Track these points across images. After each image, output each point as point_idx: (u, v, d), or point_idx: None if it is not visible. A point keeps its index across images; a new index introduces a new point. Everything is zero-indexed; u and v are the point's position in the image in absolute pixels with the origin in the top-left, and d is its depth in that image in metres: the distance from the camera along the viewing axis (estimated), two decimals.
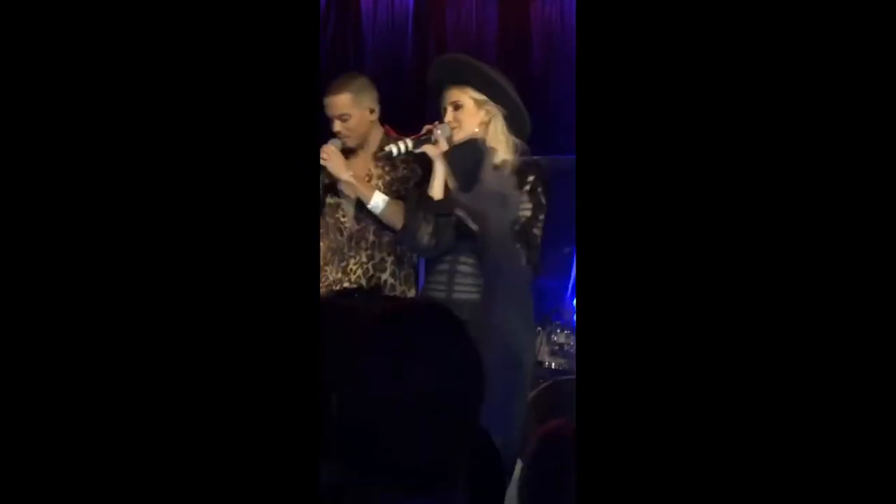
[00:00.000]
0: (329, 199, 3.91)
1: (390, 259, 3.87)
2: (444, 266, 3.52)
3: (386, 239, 3.85)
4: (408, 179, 3.81)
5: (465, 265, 3.49)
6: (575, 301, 4.68)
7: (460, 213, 3.42)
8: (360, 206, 3.83)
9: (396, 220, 3.73)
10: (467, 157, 3.48)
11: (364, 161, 3.90)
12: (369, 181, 3.83)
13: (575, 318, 4.76)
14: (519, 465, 1.87)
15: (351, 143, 3.85)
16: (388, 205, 3.76)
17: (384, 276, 3.87)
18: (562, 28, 5.81)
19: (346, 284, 3.87)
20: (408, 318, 1.49)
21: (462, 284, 3.49)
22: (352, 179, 3.78)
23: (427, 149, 3.44)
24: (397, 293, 3.87)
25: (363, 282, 3.87)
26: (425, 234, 3.45)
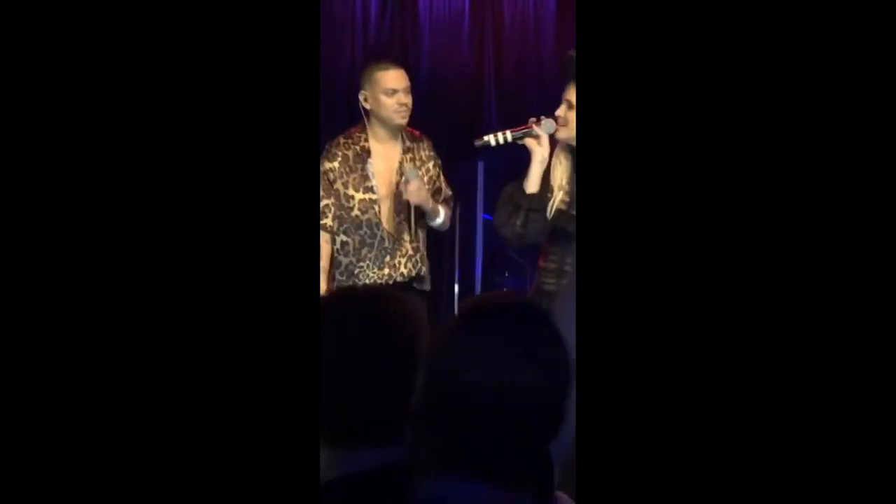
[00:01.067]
0: (360, 195, 3.95)
1: (424, 251, 4.04)
2: (554, 264, 3.50)
3: (436, 222, 3.99)
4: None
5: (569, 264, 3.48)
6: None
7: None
8: (399, 201, 3.94)
9: (446, 225, 4.01)
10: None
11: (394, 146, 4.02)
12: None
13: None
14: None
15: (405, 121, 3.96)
16: (447, 217, 3.98)
17: (423, 269, 3.98)
18: None
19: (398, 278, 3.98)
20: (497, 312, 1.51)
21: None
22: (431, 204, 3.93)
23: (529, 142, 3.45)
24: (426, 282, 4.04)
25: (413, 274, 4.00)
26: (515, 225, 3.46)
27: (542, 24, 5.89)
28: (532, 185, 3.42)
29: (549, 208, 3.41)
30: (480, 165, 5.68)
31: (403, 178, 3.85)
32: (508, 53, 5.93)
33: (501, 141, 3.45)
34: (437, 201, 4.00)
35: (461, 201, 4.90)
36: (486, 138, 3.49)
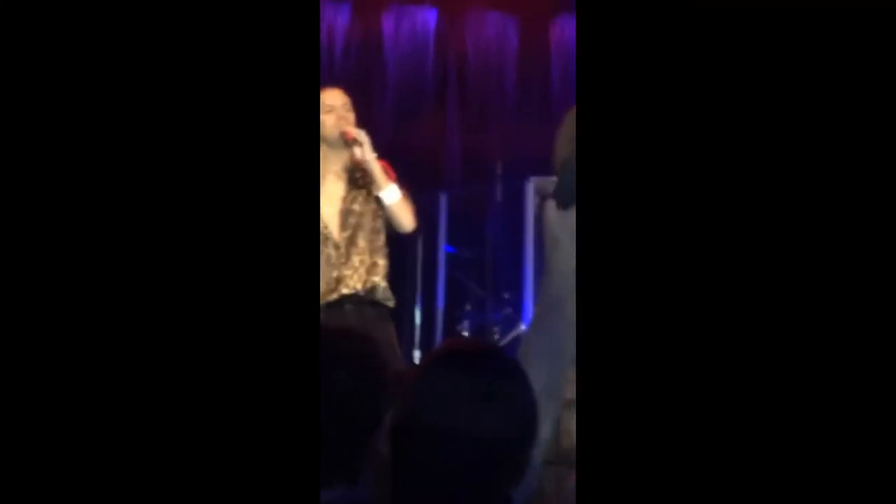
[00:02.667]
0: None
1: (383, 263, 3.93)
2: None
3: (379, 243, 3.90)
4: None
5: None
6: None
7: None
8: (346, 214, 3.87)
9: (406, 217, 3.80)
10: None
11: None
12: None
13: None
14: None
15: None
16: (401, 198, 3.83)
17: (377, 280, 3.94)
18: None
19: (344, 292, 3.88)
20: (464, 360, 1.53)
21: None
22: (375, 162, 3.83)
23: None
24: (388, 299, 3.92)
25: (359, 288, 3.92)
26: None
27: (504, 58, 6.13)
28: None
29: None
30: (443, 197, 5.80)
31: (342, 135, 3.74)
32: (472, 83, 6.14)
33: None
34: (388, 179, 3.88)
35: (422, 234, 4.94)
36: None
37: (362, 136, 3.71)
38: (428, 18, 6.10)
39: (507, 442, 1.44)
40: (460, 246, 6.00)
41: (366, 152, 3.72)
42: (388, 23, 6.06)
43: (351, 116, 3.81)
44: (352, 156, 3.79)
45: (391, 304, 3.90)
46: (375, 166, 3.77)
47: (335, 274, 3.81)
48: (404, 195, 3.78)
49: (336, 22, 6.02)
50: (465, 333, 5.71)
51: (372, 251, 3.85)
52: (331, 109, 3.80)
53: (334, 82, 4.91)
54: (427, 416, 1.44)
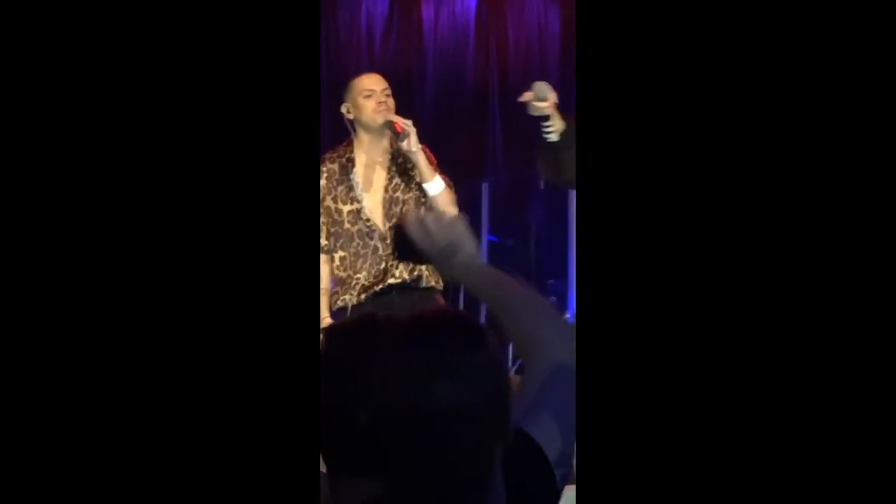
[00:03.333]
0: (347, 207, 4.00)
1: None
2: None
3: (433, 190, 3.94)
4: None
5: None
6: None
7: None
8: (390, 203, 3.92)
9: (450, 209, 3.81)
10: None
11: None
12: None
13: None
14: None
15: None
16: (445, 189, 3.87)
17: (423, 267, 3.98)
18: None
19: (390, 281, 3.98)
20: (434, 328, 1.52)
21: None
22: (421, 153, 3.85)
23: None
24: (433, 284, 4.00)
25: (406, 277, 3.98)
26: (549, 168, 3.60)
27: (546, 41, 6.19)
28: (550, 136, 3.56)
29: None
30: (485, 186, 5.88)
31: (385, 123, 3.81)
32: (513, 71, 6.20)
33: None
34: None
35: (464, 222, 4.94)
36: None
37: (409, 126, 3.73)
38: (469, 5, 6.17)
39: (479, 413, 1.44)
40: (503, 234, 6.05)
41: (412, 143, 3.74)
42: (427, 10, 6.14)
43: (391, 102, 3.84)
44: (392, 142, 3.82)
45: (439, 286, 3.96)
46: (421, 157, 3.80)
47: (382, 265, 3.89)
48: (448, 185, 3.80)
49: (375, 10, 6.11)
50: None
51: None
52: (370, 94, 3.85)
53: (374, 71, 5.03)
54: (381, 390, 1.45)
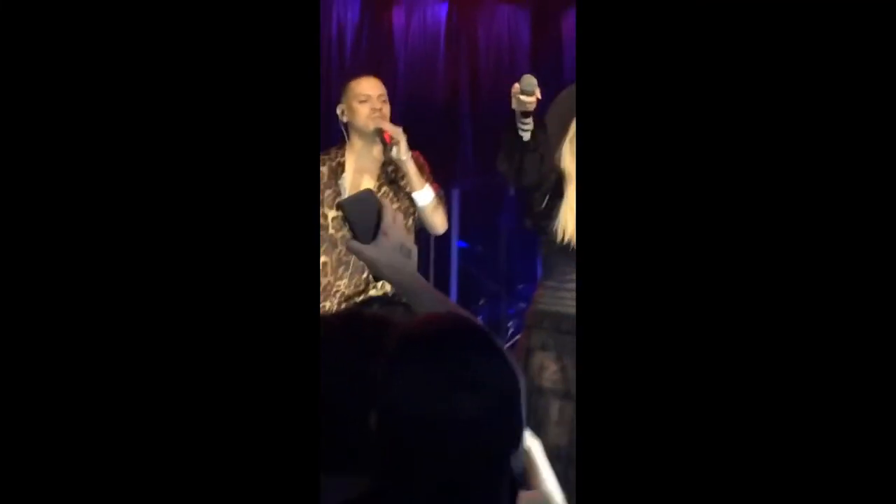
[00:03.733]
0: (333, 213, 3.93)
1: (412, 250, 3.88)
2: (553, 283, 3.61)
3: (423, 201, 3.88)
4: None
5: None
6: None
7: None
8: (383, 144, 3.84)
9: (439, 219, 3.79)
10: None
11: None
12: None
13: None
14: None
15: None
16: (434, 199, 3.80)
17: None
18: None
19: (371, 293, 3.91)
20: (441, 334, 1.52)
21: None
22: (411, 161, 3.78)
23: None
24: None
25: (388, 290, 3.90)
26: (513, 167, 3.55)
27: (516, 48, 6.24)
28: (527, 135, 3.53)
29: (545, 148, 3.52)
30: (455, 193, 5.87)
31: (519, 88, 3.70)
32: (483, 77, 6.24)
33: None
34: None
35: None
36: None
37: (399, 134, 3.67)
38: (439, 12, 6.18)
39: (490, 422, 1.44)
40: (473, 241, 6.07)
41: (402, 151, 3.69)
42: (398, 16, 6.15)
43: (386, 108, 3.79)
44: (385, 150, 3.79)
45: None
46: (411, 165, 3.74)
47: (364, 275, 3.83)
48: (438, 195, 3.76)
49: (346, 16, 6.12)
50: None
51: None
52: (366, 99, 3.80)
53: (344, 77, 5.01)
54: (404, 401, 1.44)
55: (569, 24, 6.18)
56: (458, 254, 5.95)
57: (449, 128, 6.21)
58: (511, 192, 5.91)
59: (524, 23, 6.22)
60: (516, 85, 3.34)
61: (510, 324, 5.73)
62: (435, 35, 6.19)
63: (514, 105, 3.35)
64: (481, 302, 5.93)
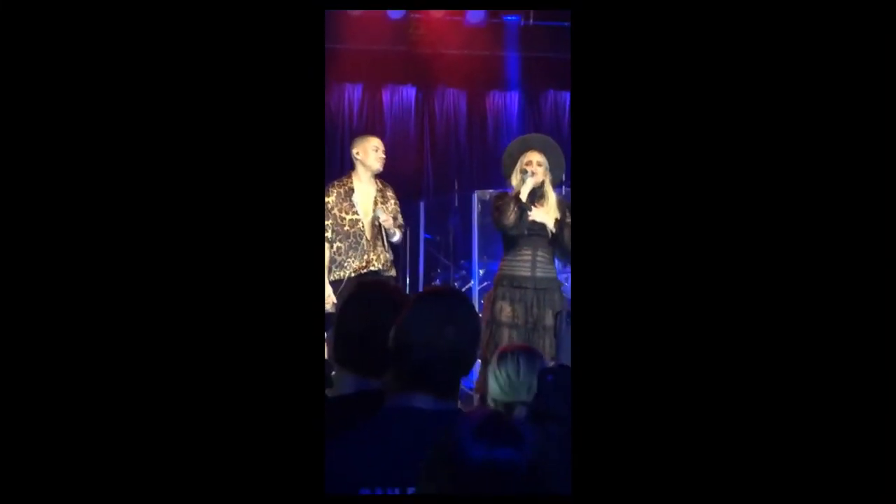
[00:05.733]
0: (348, 217, 4.95)
1: (390, 252, 5.18)
2: (528, 253, 4.36)
3: (394, 239, 5.20)
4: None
5: (544, 253, 4.36)
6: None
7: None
8: (373, 221, 4.97)
9: (397, 240, 4.96)
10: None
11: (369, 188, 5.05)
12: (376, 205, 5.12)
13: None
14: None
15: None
16: (400, 236, 5.09)
17: (388, 264, 5.16)
18: (507, 113, 7.78)
19: (371, 268, 5.09)
20: (439, 296, 1.91)
21: (543, 266, 4.38)
22: (390, 222, 4.94)
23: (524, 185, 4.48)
24: (392, 273, 5.13)
25: (380, 267, 5.12)
26: (511, 218, 4.30)
27: (458, 117, 7.91)
28: (524, 195, 4.40)
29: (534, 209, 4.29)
30: (422, 204, 7.35)
31: (374, 216, 4.92)
32: (439, 132, 7.82)
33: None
34: (395, 226, 5.09)
35: (409, 227, 6.33)
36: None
37: (388, 221, 5.00)
38: (411, 93, 7.84)
39: (461, 346, 1.81)
40: (433, 233, 7.36)
41: (386, 221, 5.01)
42: (385, 96, 7.80)
43: (383, 157, 5.24)
44: (378, 181, 5.20)
45: (393, 274, 5.30)
46: (390, 224, 4.99)
47: (366, 258, 5.07)
48: (402, 234, 5.13)
49: (353, 96, 7.80)
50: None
51: (386, 247, 5.24)
52: (377, 148, 5.28)
53: (351, 136, 6.61)
54: (415, 329, 1.80)
55: (491, 100, 7.72)
56: (424, 243, 7.24)
57: (417, 163, 7.62)
58: (456, 203, 7.13)
59: (462, 99, 7.88)
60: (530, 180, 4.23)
61: (455, 285, 6.77)
62: (408, 108, 7.77)
63: (521, 191, 4.20)
64: (438, 272, 7.17)
